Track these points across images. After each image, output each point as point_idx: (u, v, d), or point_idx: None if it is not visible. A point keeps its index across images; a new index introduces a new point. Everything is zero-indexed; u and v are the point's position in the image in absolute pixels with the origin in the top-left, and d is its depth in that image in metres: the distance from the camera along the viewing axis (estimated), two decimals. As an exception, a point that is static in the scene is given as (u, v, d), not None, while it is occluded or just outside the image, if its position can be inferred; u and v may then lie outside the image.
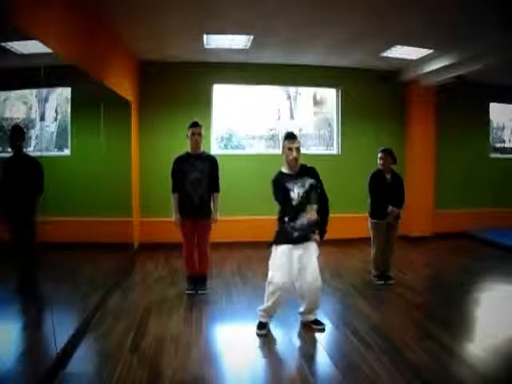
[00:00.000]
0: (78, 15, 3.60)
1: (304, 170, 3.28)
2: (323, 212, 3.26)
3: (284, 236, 3.23)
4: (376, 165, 4.63)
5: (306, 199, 3.16)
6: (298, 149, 3.19)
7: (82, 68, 3.62)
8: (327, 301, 4.06)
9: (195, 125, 4.09)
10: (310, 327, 3.41)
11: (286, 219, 3.19)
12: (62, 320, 3.06)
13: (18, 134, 2.82)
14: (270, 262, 3.28)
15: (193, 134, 4.08)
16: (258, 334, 3.28)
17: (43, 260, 3.01)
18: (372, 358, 2.84)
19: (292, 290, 3.38)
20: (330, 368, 2.77)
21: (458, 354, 2.94)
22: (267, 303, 3.31)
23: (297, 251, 3.23)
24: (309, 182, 3.21)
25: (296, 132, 3.42)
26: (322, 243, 3.36)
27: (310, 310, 3.41)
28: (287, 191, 3.18)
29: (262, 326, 3.34)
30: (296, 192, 3.17)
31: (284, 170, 3.30)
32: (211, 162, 4.18)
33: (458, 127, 7.21)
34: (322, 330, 3.35)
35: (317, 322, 3.42)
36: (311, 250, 3.29)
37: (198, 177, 4.08)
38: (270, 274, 3.27)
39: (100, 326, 3.42)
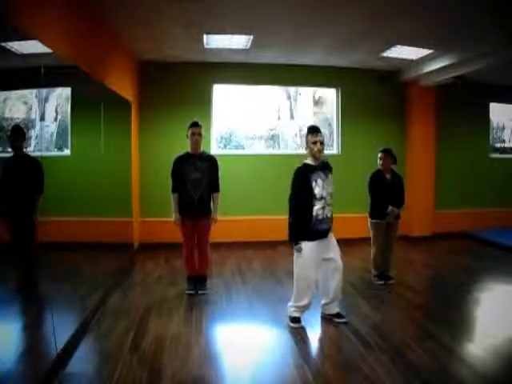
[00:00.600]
0: (78, 15, 3.60)
1: (326, 164, 3.45)
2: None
3: (309, 232, 3.29)
4: (376, 165, 4.63)
5: (327, 191, 3.33)
6: (321, 142, 3.31)
7: (82, 68, 3.62)
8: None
9: (195, 125, 4.09)
10: (331, 320, 3.50)
11: (313, 210, 3.27)
12: (62, 320, 3.06)
13: (18, 134, 2.82)
14: (300, 260, 3.34)
15: (193, 133, 4.08)
16: (293, 328, 3.38)
17: (43, 260, 3.01)
18: (372, 358, 2.85)
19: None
20: (329, 368, 2.77)
21: (458, 353, 2.94)
22: (304, 301, 3.40)
23: (322, 244, 3.35)
24: (330, 175, 3.42)
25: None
26: None
27: (335, 298, 3.49)
28: (310, 181, 3.28)
29: (297, 320, 3.43)
30: (320, 183, 3.29)
31: (308, 161, 3.39)
32: (211, 161, 4.18)
33: (458, 127, 7.20)
34: (346, 323, 3.44)
35: (340, 315, 3.51)
36: (333, 240, 3.48)
37: (198, 177, 4.08)
38: (301, 272, 3.34)
39: (100, 326, 3.43)
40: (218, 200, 4.21)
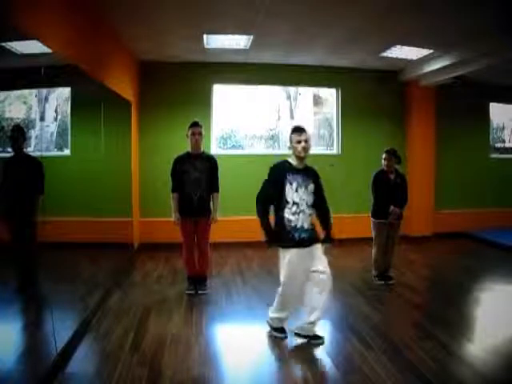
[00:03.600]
0: (78, 15, 3.60)
1: (309, 171, 3.17)
2: (323, 212, 3.21)
3: (287, 237, 3.04)
4: (376, 164, 4.63)
5: (303, 198, 3.05)
6: (306, 141, 3.06)
7: (82, 68, 3.62)
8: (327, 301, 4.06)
9: (195, 125, 4.09)
10: (308, 342, 3.11)
11: (285, 214, 3.04)
12: (62, 320, 3.06)
13: (18, 134, 2.83)
14: (284, 269, 3.06)
15: (193, 133, 4.08)
16: (276, 337, 3.19)
17: (43, 260, 3.01)
18: (372, 358, 2.84)
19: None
20: (329, 368, 2.77)
21: (457, 354, 2.93)
22: (283, 313, 3.18)
23: (305, 254, 3.04)
24: (311, 185, 3.10)
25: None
26: (331, 244, 3.20)
27: (317, 318, 3.05)
28: (285, 181, 3.04)
29: (279, 329, 3.23)
30: (294, 187, 3.04)
31: (291, 160, 3.16)
32: (211, 161, 4.18)
33: (458, 127, 7.20)
34: (322, 343, 3.10)
35: (317, 337, 3.12)
36: (319, 251, 3.10)
37: (197, 176, 4.08)
38: (285, 281, 3.06)
39: (100, 325, 3.42)
40: (218, 200, 4.21)
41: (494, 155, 7.80)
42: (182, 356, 2.89)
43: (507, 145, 8.41)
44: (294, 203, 3.03)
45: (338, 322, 3.54)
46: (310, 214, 3.09)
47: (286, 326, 3.24)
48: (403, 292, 4.31)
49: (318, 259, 3.06)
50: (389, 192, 4.49)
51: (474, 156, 7.41)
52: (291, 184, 3.04)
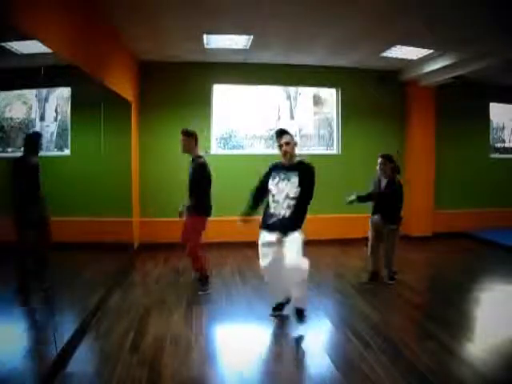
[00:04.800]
0: (78, 15, 3.60)
1: (296, 166, 3.38)
2: (297, 207, 3.29)
3: (263, 221, 3.45)
4: (376, 164, 4.64)
5: (280, 191, 3.33)
6: (287, 143, 3.35)
7: (82, 68, 3.61)
8: (327, 301, 4.07)
9: (181, 132, 4.19)
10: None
11: (269, 203, 3.44)
12: (62, 320, 3.06)
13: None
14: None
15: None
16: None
17: (43, 260, 3.01)
18: (372, 358, 2.85)
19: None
20: (329, 368, 2.77)
21: (458, 354, 2.94)
22: (272, 295, 3.63)
23: (273, 239, 3.30)
24: (294, 178, 3.31)
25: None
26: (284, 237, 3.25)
27: (291, 300, 3.46)
28: (268, 176, 3.45)
29: (274, 308, 3.62)
30: (276, 181, 3.38)
31: (282, 160, 3.48)
32: (194, 165, 4.21)
33: (458, 127, 7.20)
34: (300, 322, 3.33)
35: (298, 312, 3.37)
36: (291, 239, 3.23)
37: (187, 181, 4.20)
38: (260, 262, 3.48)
39: (100, 325, 3.43)
40: (191, 201, 4.15)
41: (493, 155, 7.80)
42: (182, 356, 2.90)
43: (507, 145, 8.41)
44: (273, 195, 3.39)
45: (337, 322, 3.54)
46: (288, 205, 3.30)
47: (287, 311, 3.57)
48: (403, 292, 4.32)
49: (288, 251, 3.19)
50: (375, 195, 4.60)
51: (473, 156, 7.41)
52: (274, 179, 3.41)
